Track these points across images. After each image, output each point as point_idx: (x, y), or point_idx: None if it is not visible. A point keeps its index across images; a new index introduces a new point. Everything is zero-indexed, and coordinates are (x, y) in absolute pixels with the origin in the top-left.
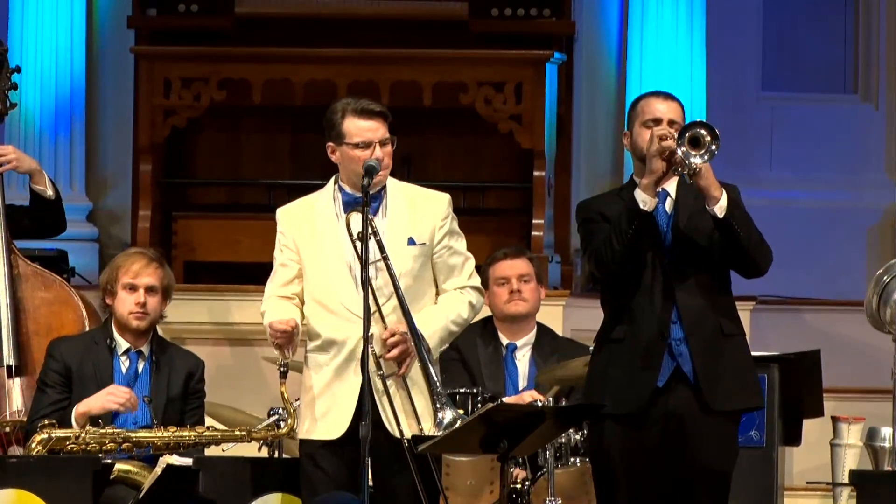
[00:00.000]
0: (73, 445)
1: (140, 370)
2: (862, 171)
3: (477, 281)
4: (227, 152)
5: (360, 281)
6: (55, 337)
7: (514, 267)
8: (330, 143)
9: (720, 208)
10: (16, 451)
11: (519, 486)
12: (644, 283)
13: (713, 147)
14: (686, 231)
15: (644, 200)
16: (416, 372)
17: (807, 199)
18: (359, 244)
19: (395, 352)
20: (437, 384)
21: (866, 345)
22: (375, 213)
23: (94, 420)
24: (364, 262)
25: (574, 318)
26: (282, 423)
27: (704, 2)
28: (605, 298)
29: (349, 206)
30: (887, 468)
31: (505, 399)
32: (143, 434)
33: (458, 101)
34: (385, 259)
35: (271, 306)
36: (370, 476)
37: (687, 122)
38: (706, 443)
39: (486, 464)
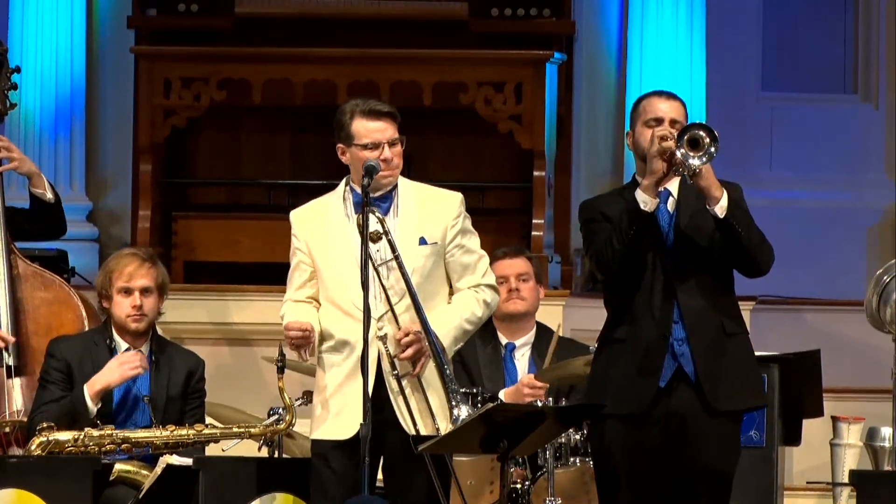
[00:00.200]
0: (72, 448)
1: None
2: (862, 171)
3: (491, 279)
4: (227, 152)
5: (373, 279)
6: (54, 337)
7: (512, 266)
8: (340, 145)
9: (721, 208)
10: (16, 451)
11: (519, 486)
12: (645, 283)
13: (712, 149)
14: (688, 231)
15: (645, 201)
16: (430, 372)
17: (807, 199)
18: (363, 245)
19: (409, 351)
20: (453, 382)
21: (866, 345)
22: (386, 212)
23: (93, 421)
24: (364, 261)
25: (574, 317)
26: (281, 422)
27: (704, 2)
28: (608, 298)
29: (360, 206)
30: (887, 468)
31: (502, 394)
32: (141, 434)
33: (458, 101)
34: (397, 258)
35: (290, 309)
36: (381, 476)
37: (689, 122)
38: (708, 443)
39: (486, 464)
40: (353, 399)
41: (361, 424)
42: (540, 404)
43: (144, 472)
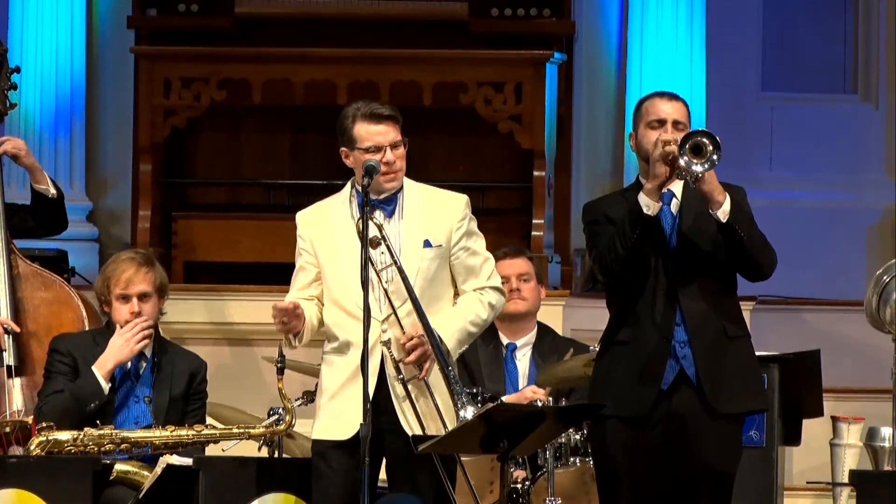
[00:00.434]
0: (71, 448)
1: (141, 370)
2: (862, 171)
3: (497, 281)
4: (227, 152)
5: (375, 283)
6: (56, 335)
7: (513, 266)
8: (343, 148)
9: (723, 212)
10: (16, 451)
11: (519, 486)
12: (648, 286)
13: (714, 157)
14: (690, 233)
15: (647, 204)
16: (435, 375)
17: (807, 199)
18: (369, 249)
19: (413, 355)
20: (458, 384)
21: (866, 345)
22: (391, 215)
23: (92, 421)
24: (364, 261)
25: (574, 318)
26: (280, 422)
27: (704, 2)
28: (610, 300)
29: (363, 207)
30: (887, 468)
31: (505, 398)
32: (141, 434)
33: (457, 101)
34: (396, 264)
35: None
36: (383, 478)
37: (691, 123)
38: (709, 443)
39: (486, 464)
40: (354, 400)
41: (361, 424)
42: (540, 404)
43: (144, 472)
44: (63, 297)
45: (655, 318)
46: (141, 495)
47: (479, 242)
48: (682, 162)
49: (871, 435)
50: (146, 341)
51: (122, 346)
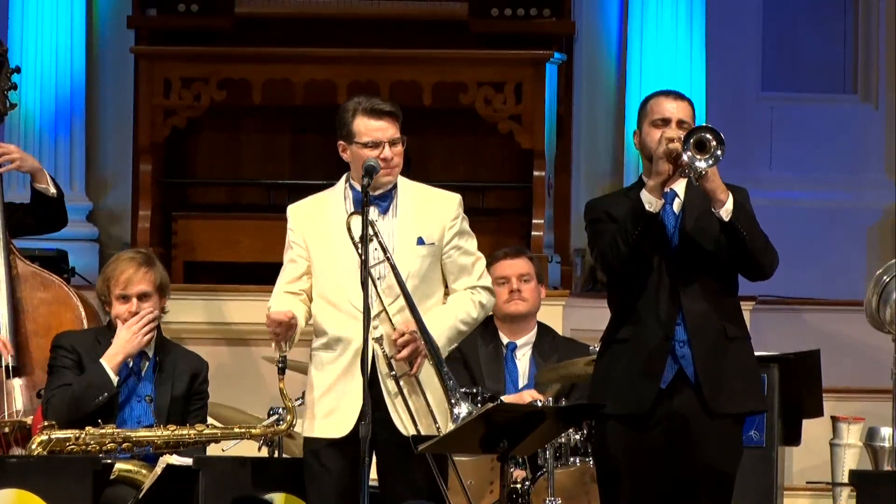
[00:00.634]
0: (72, 446)
1: (143, 370)
2: (862, 171)
3: (488, 281)
4: (227, 152)
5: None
6: (59, 333)
7: (513, 266)
8: (341, 142)
9: (726, 211)
10: (15, 451)
11: (519, 486)
12: (650, 285)
13: (718, 152)
14: (693, 233)
15: (650, 202)
16: (427, 371)
17: (807, 199)
18: (360, 246)
19: (405, 351)
20: (451, 380)
21: (866, 345)
22: (385, 212)
23: (94, 420)
24: (364, 261)
25: (574, 317)
26: (281, 422)
27: (704, 2)
28: (612, 299)
29: (360, 204)
30: (887, 468)
31: (505, 398)
32: (142, 433)
33: (457, 101)
34: (388, 261)
35: (277, 301)
36: (374, 475)
37: (696, 122)
38: (709, 443)
39: (486, 464)
40: (347, 397)
41: (362, 424)
42: (540, 404)
43: (145, 471)
44: (62, 297)
45: (656, 317)
46: (141, 495)
47: (471, 242)
48: (685, 157)
49: (870, 435)
50: (153, 333)
51: (130, 339)
